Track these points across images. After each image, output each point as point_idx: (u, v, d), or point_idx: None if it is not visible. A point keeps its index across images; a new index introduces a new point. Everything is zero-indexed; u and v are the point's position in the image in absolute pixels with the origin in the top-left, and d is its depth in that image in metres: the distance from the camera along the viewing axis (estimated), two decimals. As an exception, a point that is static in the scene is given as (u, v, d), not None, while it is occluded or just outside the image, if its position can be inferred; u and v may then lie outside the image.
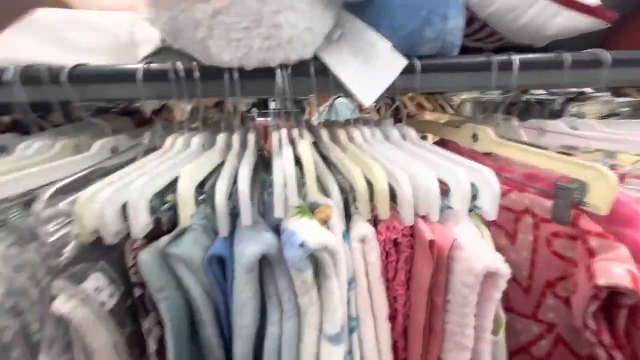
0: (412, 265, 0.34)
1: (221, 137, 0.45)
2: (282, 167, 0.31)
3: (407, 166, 0.35)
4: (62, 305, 0.29)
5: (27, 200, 0.36)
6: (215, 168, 0.40)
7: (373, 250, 0.33)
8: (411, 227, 0.34)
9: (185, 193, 0.32)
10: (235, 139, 0.45)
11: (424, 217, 0.35)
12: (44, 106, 0.44)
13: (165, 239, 0.32)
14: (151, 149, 0.45)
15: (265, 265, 0.31)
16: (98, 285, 0.31)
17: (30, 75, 0.41)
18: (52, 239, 0.35)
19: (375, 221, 0.36)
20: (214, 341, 0.33)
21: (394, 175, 0.33)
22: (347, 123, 0.56)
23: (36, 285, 0.35)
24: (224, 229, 0.32)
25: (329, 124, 0.54)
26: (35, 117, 0.45)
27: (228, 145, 0.45)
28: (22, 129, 0.53)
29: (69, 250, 0.33)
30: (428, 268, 0.32)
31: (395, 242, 0.34)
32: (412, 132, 0.47)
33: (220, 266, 0.32)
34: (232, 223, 0.34)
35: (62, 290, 0.29)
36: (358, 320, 0.33)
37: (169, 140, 0.45)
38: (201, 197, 0.35)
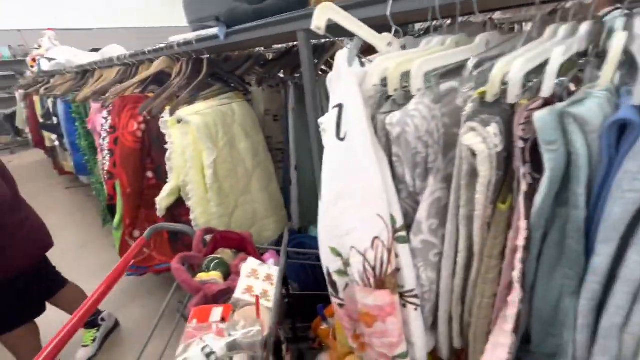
0: None
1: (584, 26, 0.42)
2: None
3: None
4: (471, 139, 0.42)
5: (438, 71, 0.51)
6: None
7: None
8: None
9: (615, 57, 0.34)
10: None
11: None
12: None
13: (564, 102, 0.36)
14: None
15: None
16: (495, 131, 0.41)
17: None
18: (459, 100, 0.49)
19: None
20: (580, 199, 0.36)
21: None
22: None
23: (437, 131, 0.51)
24: (639, 97, 0.32)
25: None
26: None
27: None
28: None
29: (468, 108, 0.45)
30: None
31: None
32: None
33: (618, 134, 0.33)
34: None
35: (473, 129, 0.42)
36: None
37: (548, 31, 0.47)
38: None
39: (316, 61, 1.39)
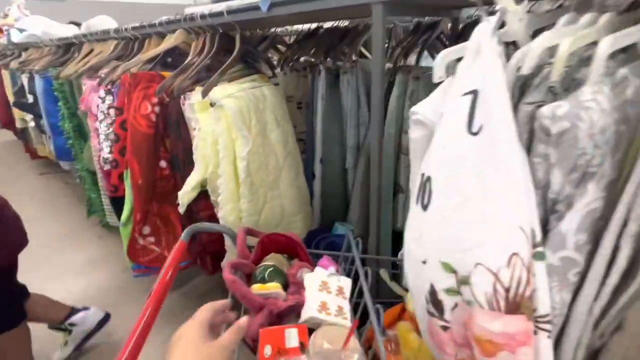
0: None
1: None
2: None
3: None
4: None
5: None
6: None
7: None
8: None
9: None
10: None
11: None
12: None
13: None
14: None
15: None
16: None
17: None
18: (630, 91, 0.40)
19: None
20: None
21: None
22: None
23: (609, 129, 0.41)
24: None
25: None
26: None
27: None
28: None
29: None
30: None
31: None
32: None
33: None
34: None
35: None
36: None
37: None
38: None
39: (345, 48, 1.26)
